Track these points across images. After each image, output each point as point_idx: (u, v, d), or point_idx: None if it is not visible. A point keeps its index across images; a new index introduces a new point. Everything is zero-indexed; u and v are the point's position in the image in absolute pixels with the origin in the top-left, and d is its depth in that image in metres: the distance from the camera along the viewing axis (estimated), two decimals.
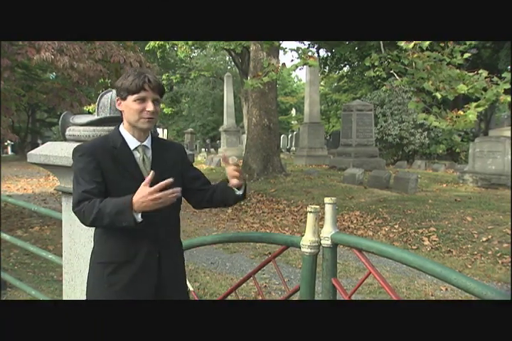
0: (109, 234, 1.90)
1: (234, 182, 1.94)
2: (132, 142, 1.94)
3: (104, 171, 1.87)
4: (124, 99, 1.89)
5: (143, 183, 1.71)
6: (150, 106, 1.87)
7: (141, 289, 1.91)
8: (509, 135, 11.14)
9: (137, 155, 1.94)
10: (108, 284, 1.90)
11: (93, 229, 2.17)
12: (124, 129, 1.96)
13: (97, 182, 1.84)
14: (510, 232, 6.59)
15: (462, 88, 5.12)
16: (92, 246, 2.00)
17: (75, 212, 1.83)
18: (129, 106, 1.89)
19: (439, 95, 5.33)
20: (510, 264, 5.65)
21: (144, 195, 1.68)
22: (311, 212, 1.99)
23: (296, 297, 2.13)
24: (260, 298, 2.44)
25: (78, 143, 2.52)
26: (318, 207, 2.01)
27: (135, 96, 1.86)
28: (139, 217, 1.71)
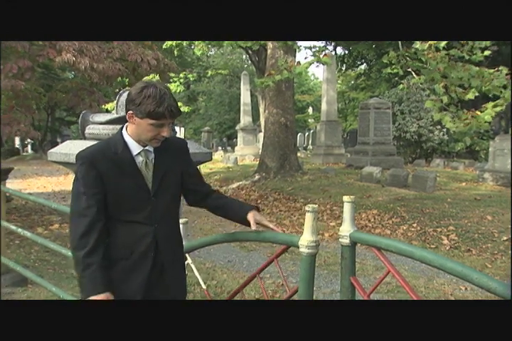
0: (112, 231, 1.96)
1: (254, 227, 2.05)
2: (135, 147, 1.95)
3: (104, 178, 1.90)
4: (140, 118, 1.85)
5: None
6: (165, 132, 1.88)
7: (130, 287, 1.94)
8: None
9: (139, 159, 1.96)
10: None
11: None
12: (127, 135, 1.95)
13: (96, 197, 1.88)
14: None
15: (473, 92, 5.09)
16: None
17: (74, 244, 1.87)
18: (143, 127, 1.87)
19: (445, 99, 5.27)
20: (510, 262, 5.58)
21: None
22: (309, 211, 1.92)
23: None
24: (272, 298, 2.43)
25: (89, 144, 2.55)
26: (316, 206, 1.93)
27: (154, 121, 1.84)
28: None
